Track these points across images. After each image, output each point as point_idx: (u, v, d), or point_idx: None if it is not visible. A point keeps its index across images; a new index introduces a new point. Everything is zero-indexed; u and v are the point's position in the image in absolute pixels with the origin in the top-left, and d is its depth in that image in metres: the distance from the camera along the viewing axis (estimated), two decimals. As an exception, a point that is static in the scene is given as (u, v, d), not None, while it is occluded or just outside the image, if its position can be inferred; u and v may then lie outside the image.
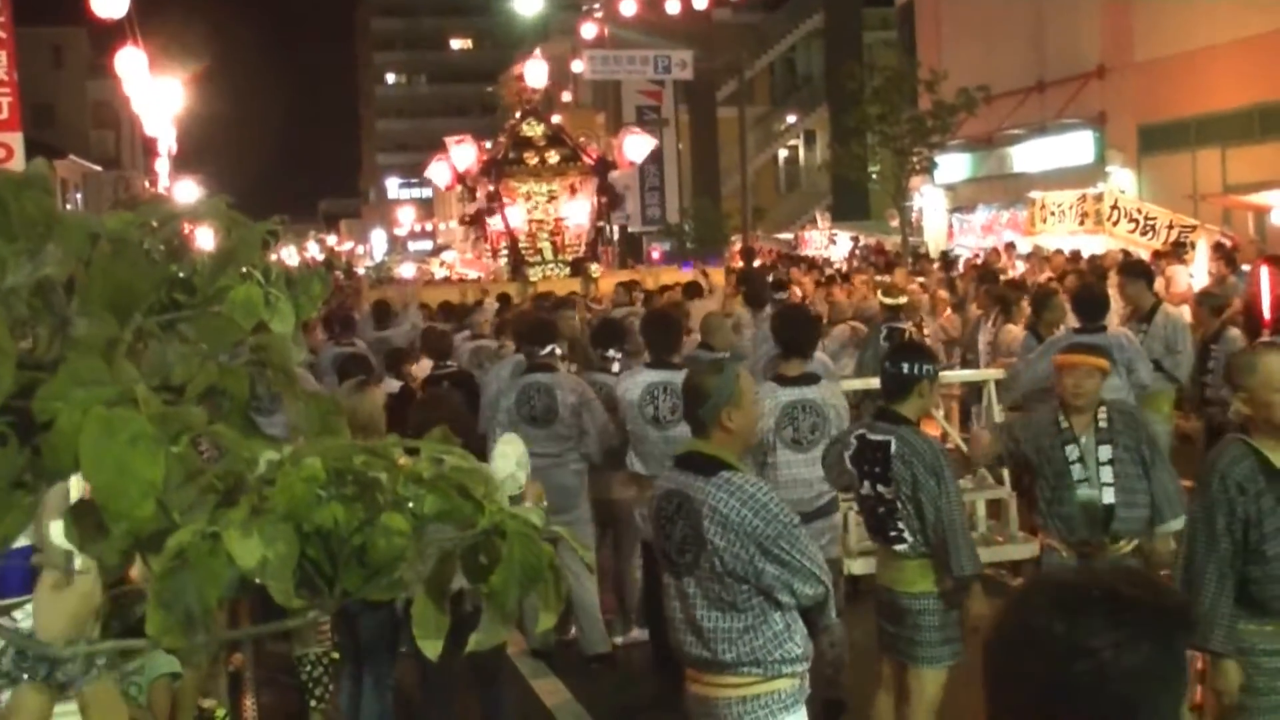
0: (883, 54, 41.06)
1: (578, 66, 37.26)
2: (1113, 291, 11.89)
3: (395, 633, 6.43)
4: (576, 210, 24.88)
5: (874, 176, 33.03)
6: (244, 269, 1.52)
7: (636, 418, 8.03)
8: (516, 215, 24.53)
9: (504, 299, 17.92)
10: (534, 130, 25.14)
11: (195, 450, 1.23)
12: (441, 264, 57.02)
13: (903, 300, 12.07)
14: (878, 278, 20.71)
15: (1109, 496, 6.15)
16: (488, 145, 26.44)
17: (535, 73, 26.74)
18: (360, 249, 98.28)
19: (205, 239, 1.72)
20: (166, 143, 36.29)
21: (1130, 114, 29.52)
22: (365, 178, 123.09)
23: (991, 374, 10.60)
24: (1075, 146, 31.25)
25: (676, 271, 25.21)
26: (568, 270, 23.93)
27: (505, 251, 24.99)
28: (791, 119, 53.12)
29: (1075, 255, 21.70)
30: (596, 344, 9.40)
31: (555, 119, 27.70)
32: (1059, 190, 26.23)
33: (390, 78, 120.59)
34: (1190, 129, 27.86)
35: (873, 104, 30.70)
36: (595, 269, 22.66)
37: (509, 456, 5.03)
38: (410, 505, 1.18)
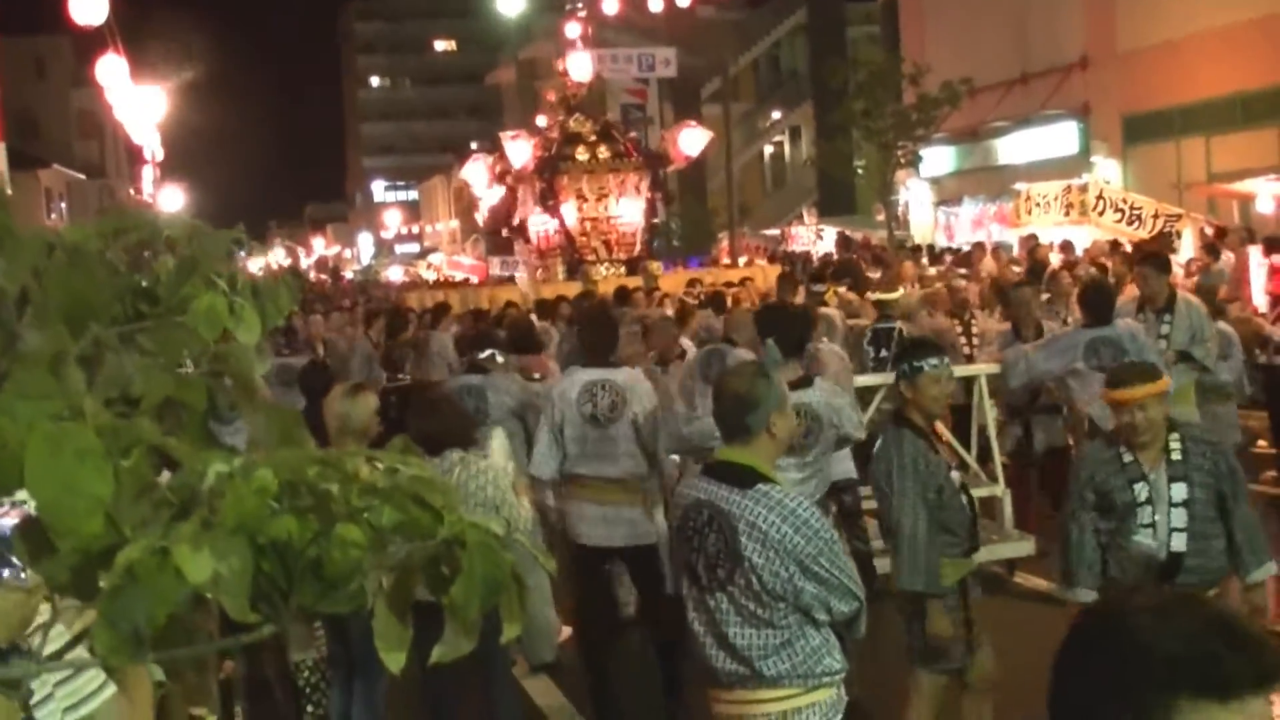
0: (866, 49, 41.08)
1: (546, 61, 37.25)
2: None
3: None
4: (629, 207, 24.05)
5: (859, 171, 33.06)
6: (209, 278, 1.50)
7: (575, 417, 7.77)
8: (569, 213, 23.77)
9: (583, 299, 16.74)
10: (582, 126, 24.28)
11: (151, 465, 1.21)
12: (429, 266, 57.08)
13: (894, 296, 11.82)
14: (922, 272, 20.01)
15: (1179, 543, 5.40)
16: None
17: (579, 66, 25.64)
18: (348, 252, 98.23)
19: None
20: (151, 151, 36.20)
21: (1114, 104, 29.57)
22: (351, 181, 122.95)
23: (981, 369, 10.27)
24: (1060, 138, 31.29)
25: (743, 268, 24.53)
26: (623, 269, 23.19)
27: (557, 252, 24.23)
28: (776, 115, 53.21)
29: (1067, 246, 21.71)
30: (471, 350, 9.35)
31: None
32: (1044, 182, 26.27)
33: (374, 81, 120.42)
34: (1174, 118, 27.91)
35: (857, 99, 30.73)
36: (657, 267, 22.15)
37: (498, 451, 5.00)
38: (367, 516, 1.16)
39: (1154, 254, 12.45)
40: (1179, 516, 5.39)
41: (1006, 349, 10.08)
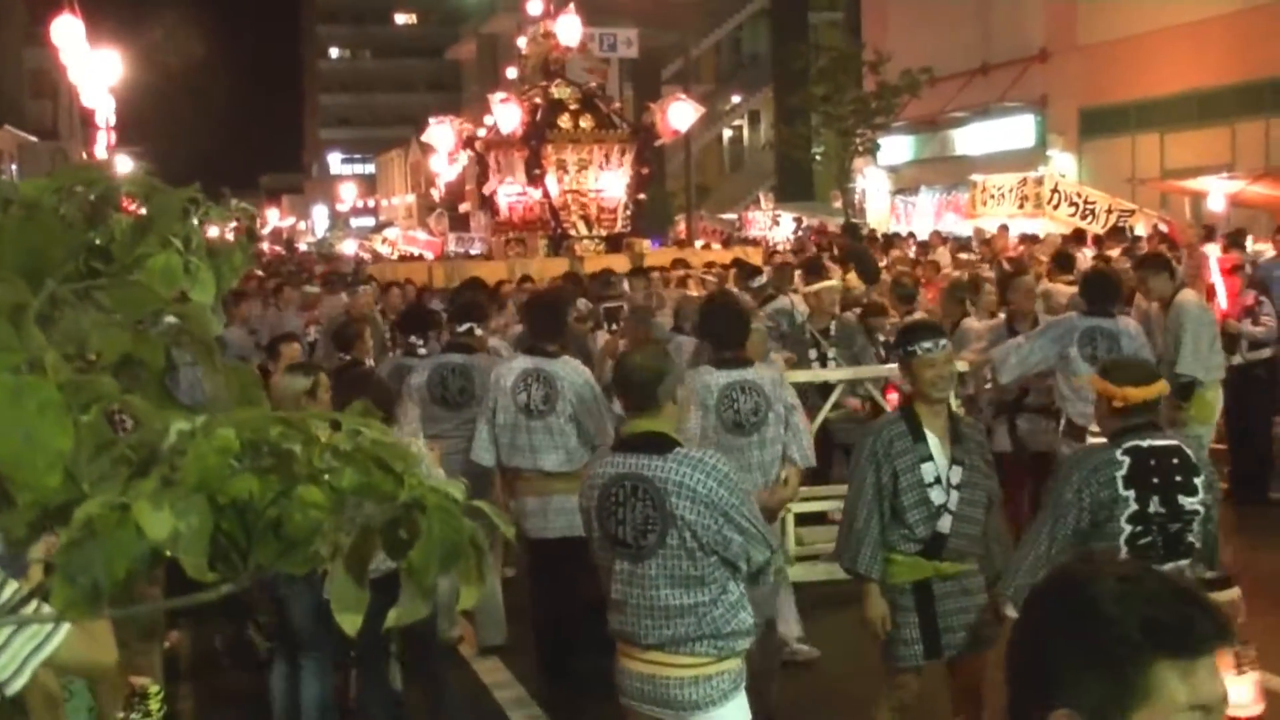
0: (828, 35, 41.20)
1: (522, 43, 36.92)
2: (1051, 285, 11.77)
3: (330, 612, 6.28)
4: (610, 181, 22.57)
5: (818, 157, 33.12)
6: (164, 237, 1.48)
7: (509, 405, 7.62)
8: (550, 185, 22.23)
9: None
10: (564, 93, 22.81)
11: (110, 422, 1.20)
12: (384, 240, 56.69)
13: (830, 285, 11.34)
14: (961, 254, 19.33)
15: None
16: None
17: (568, 29, 23.73)
18: (302, 224, 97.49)
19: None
20: (105, 114, 35.79)
21: (1072, 98, 29.81)
22: (308, 152, 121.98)
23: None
24: (1017, 129, 31.53)
25: (732, 250, 23.47)
26: (603, 245, 21.93)
27: (537, 226, 22.55)
28: (736, 99, 53.13)
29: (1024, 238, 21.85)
30: (404, 331, 9.11)
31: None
32: (1000, 173, 26.44)
33: (334, 52, 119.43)
34: (1130, 114, 28.18)
35: (818, 85, 30.82)
36: (644, 246, 21.11)
37: (406, 425, 5.05)
38: (328, 478, 1.16)
39: (1154, 255, 11.96)
40: None
41: (996, 345, 9.57)
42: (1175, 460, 5.13)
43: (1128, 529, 5.03)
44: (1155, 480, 5.06)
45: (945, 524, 5.49)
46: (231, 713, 7.49)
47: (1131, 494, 5.02)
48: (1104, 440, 5.26)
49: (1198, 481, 5.11)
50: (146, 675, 7.05)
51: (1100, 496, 5.03)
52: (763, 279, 13.12)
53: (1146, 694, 1.65)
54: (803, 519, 9.01)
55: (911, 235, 26.87)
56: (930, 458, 5.51)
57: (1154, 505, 5.05)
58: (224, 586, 1.16)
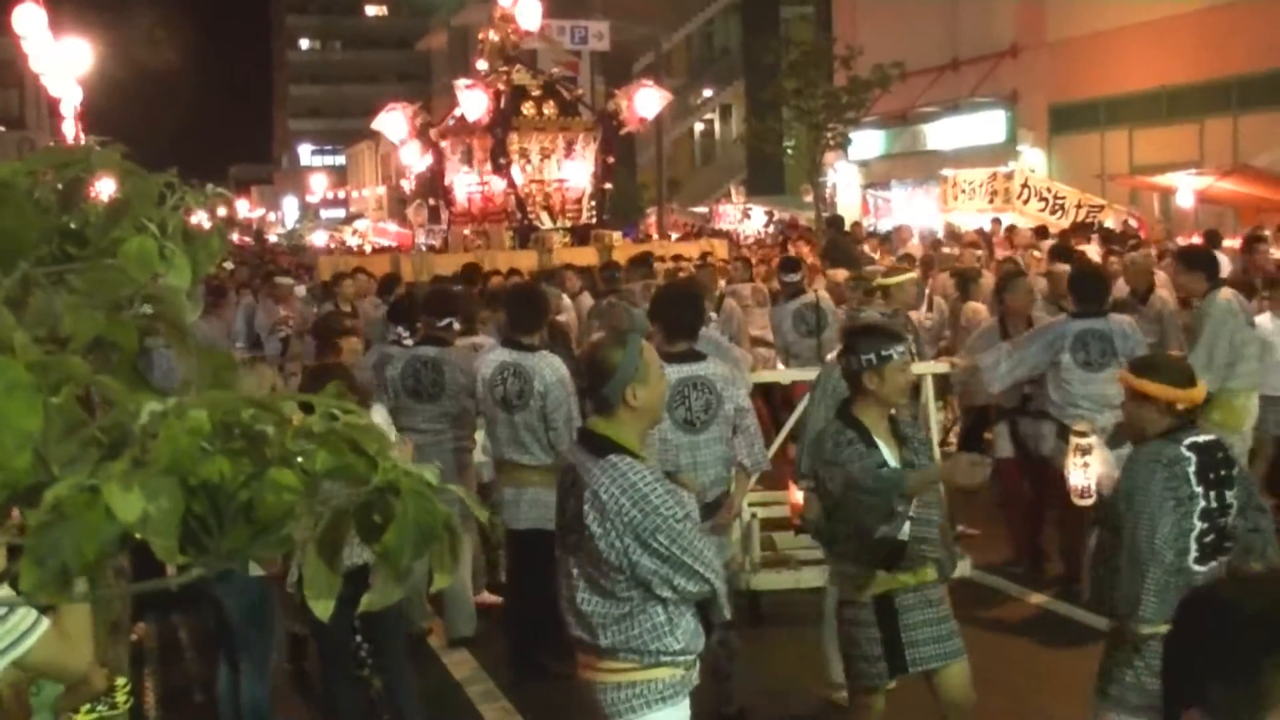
0: (799, 29, 41.19)
1: (492, 36, 36.71)
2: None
3: (265, 612, 6.30)
4: (574, 169, 21.86)
5: (789, 151, 33.14)
6: (140, 221, 1.47)
7: (486, 397, 7.67)
8: (515, 175, 21.43)
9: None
10: (524, 78, 22.01)
11: (81, 404, 1.19)
12: (354, 232, 56.49)
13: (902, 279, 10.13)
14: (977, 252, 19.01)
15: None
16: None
17: (528, 12, 22.92)
18: (272, 216, 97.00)
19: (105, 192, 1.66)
20: (71, 104, 35.50)
21: (1042, 93, 29.93)
22: (278, 144, 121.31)
23: (928, 367, 9.31)
24: (987, 125, 31.62)
25: (696, 243, 22.60)
26: (569, 237, 21.18)
27: (501, 216, 21.61)
28: (708, 92, 53.15)
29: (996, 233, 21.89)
30: (393, 321, 8.97)
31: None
32: (971, 168, 26.53)
33: (304, 43, 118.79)
34: (1099, 110, 28.32)
35: (789, 79, 30.79)
36: (614, 238, 20.66)
37: (378, 420, 4.99)
38: (300, 461, 1.15)
39: (1189, 248, 11.32)
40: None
41: (985, 350, 9.21)
42: (1220, 454, 4.99)
43: (1199, 525, 4.83)
44: (1212, 475, 4.91)
45: (905, 531, 5.29)
46: (196, 705, 7.45)
47: (1201, 490, 4.85)
48: (1159, 438, 4.97)
49: (1234, 474, 4.99)
50: (113, 667, 6.99)
51: (1180, 493, 4.82)
52: (800, 275, 12.83)
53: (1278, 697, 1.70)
54: (770, 524, 8.74)
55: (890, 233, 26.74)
56: (885, 465, 5.34)
57: (1213, 500, 4.89)
58: (194, 570, 1.15)
